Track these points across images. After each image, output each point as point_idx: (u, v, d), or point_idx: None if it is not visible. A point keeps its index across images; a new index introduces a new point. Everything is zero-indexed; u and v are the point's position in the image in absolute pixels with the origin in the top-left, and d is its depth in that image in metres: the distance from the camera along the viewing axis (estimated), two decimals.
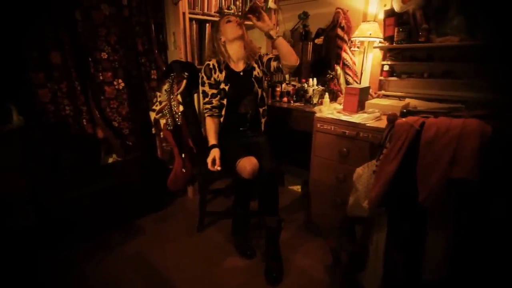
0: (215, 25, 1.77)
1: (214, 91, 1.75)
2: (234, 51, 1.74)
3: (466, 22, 1.64)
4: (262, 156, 1.60)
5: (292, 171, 2.69)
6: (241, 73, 1.77)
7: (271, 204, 1.59)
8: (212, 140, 1.69)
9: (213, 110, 1.75)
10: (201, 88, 1.78)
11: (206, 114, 1.76)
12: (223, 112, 1.77)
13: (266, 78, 1.96)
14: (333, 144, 1.70)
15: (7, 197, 1.70)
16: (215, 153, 1.63)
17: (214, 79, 1.73)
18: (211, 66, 1.73)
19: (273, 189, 1.58)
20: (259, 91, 1.79)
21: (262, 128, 1.86)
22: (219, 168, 1.59)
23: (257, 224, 1.95)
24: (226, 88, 1.73)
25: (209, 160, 1.60)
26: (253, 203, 1.74)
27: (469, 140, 0.99)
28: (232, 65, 1.77)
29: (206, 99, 1.75)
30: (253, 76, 1.77)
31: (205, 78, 1.74)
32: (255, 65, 1.79)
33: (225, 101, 1.75)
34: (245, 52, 1.75)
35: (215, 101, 1.75)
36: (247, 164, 1.51)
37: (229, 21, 1.70)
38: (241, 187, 1.79)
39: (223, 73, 1.73)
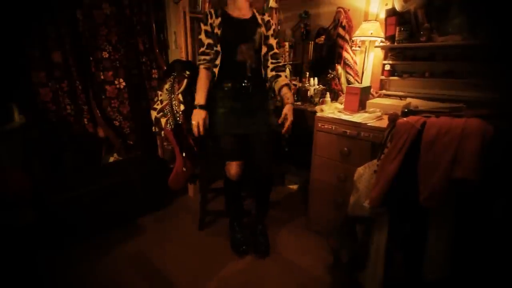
0: None
1: (211, 41, 1.60)
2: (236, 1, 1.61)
3: (468, 21, 1.63)
4: (260, 154, 1.62)
5: (292, 171, 2.69)
6: (240, 18, 1.62)
7: (263, 201, 1.82)
8: (200, 98, 1.59)
9: (210, 62, 1.63)
10: (198, 37, 1.67)
11: (201, 66, 1.63)
12: (218, 62, 1.61)
13: None
14: (334, 144, 1.70)
15: (9, 196, 1.70)
16: (200, 115, 1.56)
17: (210, 24, 1.59)
18: (207, 12, 1.61)
19: (266, 191, 1.79)
20: (264, 48, 1.65)
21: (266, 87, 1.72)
22: (202, 133, 1.56)
23: (252, 226, 1.92)
24: (219, 32, 1.58)
25: (194, 124, 1.55)
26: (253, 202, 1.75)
27: (470, 140, 0.99)
28: (230, 12, 1.62)
29: (202, 49, 1.62)
30: (257, 25, 1.62)
31: (202, 24, 1.62)
32: (261, 22, 1.64)
33: (219, 48, 1.60)
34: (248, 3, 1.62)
35: (211, 53, 1.62)
36: (232, 169, 1.64)
37: None
38: (228, 185, 1.79)
39: (219, 19, 1.59)
